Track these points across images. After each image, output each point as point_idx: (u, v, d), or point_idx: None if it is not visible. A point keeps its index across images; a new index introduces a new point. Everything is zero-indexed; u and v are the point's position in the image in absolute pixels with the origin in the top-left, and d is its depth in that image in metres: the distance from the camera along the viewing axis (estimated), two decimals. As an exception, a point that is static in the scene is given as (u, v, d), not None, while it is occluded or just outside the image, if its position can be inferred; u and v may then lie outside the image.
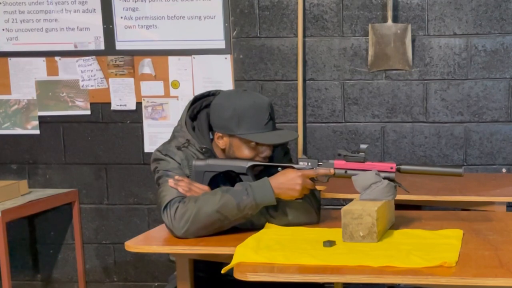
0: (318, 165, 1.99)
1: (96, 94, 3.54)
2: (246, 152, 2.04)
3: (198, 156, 2.06)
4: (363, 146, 1.97)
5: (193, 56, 3.46)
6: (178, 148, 2.06)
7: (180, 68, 3.48)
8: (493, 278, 1.46)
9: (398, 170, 1.94)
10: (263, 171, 2.08)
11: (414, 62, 3.39)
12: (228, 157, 2.08)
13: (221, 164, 2.04)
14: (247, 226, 1.99)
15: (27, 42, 3.52)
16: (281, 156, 2.19)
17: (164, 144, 2.12)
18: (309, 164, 1.99)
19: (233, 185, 1.99)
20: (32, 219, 3.64)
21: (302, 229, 1.98)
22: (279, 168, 2.03)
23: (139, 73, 3.50)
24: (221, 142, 2.07)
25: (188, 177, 2.02)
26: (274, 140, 2.03)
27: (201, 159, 2.04)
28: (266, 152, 2.06)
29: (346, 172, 1.97)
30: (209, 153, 2.07)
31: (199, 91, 3.45)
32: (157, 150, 2.10)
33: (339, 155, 1.98)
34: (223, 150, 2.09)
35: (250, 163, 2.02)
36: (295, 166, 2.01)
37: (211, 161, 2.04)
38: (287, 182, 1.95)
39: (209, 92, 2.19)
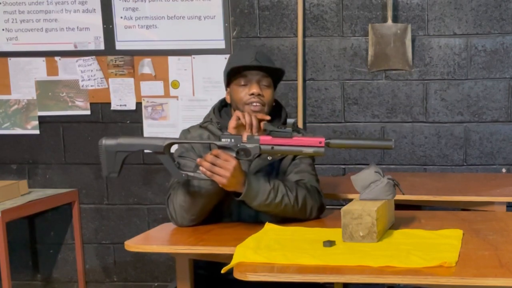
0: (242, 142, 1.90)
1: (96, 94, 3.54)
2: (240, 93, 2.12)
3: (216, 133, 2.12)
4: (290, 120, 1.90)
5: (193, 56, 3.46)
6: (200, 126, 2.19)
7: (180, 68, 3.48)
8: (493, 278, 1.46)
9: (327, 145, 1.87)
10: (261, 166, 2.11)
11: (414, 62, 3.39)
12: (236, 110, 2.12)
13: (135, 143, 1.91)
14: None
15: (27, 42, 3.52)
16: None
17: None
18: (232, 140, 1.90)
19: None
20: (32, 219, 3.64)
21: (302, 229, 1.98)
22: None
23: (139, 73, 3.50)
24: (228, 97, 2.20)
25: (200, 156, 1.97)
26: (251, 62, 2.08)
27: (112, 137, 1.90)
28: (254, 89, 2.10)
29: (272, 148, 1.89)
30: (223, 128, 2.12)
31: (199, 91, 3.51)
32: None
33: (265, 130, 1.91)
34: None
35: (167, 142, 1.90)
36: (217, 143, 1.91)
37: (123, 140, 1.90)
38: None
39: None
